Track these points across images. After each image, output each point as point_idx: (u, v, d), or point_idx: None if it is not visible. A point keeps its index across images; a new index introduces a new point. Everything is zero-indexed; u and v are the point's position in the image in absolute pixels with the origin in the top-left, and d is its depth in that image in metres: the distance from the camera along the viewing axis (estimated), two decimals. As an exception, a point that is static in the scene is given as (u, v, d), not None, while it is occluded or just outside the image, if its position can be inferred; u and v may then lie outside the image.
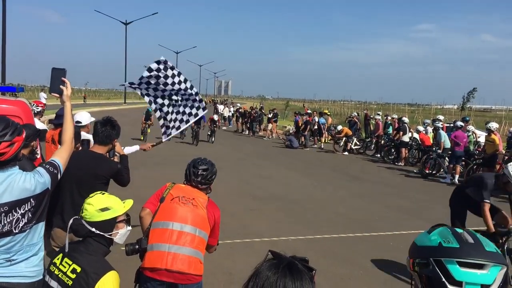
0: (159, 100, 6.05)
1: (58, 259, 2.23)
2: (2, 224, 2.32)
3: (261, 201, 9.44)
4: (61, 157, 2.62)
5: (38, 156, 4.45)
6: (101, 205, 2.25)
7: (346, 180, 12.82)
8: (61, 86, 2.83)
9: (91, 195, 2.31)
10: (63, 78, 2.85)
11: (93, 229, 2.21)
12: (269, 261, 1.22)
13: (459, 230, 1.39)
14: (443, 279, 1.30)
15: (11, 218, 2.33)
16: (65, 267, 2.17)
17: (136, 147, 5.36)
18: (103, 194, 2.33)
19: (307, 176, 13.16)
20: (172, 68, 5.83)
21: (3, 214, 2.31)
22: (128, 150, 5.05)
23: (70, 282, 2.11)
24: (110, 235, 2.29)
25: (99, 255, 2.21)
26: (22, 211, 2.36)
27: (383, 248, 6.78)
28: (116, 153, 4.15)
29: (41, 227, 2.50)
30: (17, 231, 2.36)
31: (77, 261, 2.15)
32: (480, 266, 1.29)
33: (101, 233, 2.24)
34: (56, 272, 2.18)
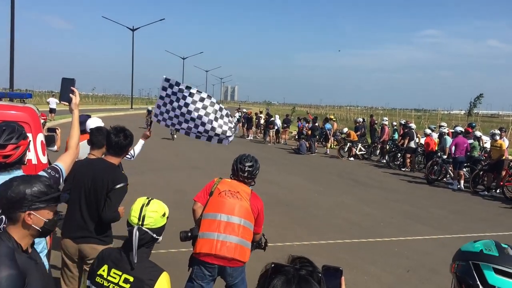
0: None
1: (103, 270, 2.16)
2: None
3: (266, 206, 9.36)
4: (64, 162, 2.72)
5: (35, 162, 4.37)
6: (162, 211, 2.21)
7: (351, 186, 12.80)
8: (70, 95, 2.97)
9: (142, 201, 2.19)
10: (72, 88, 2.99)
11: (154, 235, 2.17)
12: (276, 275, 1.22)
13: (504, 245, 1.52)
14: (478, 281, 1.43)
15: None
16: (115, 278, 2.12)
17: (141, 142, 5.04)
18: (153, 199, 2.24)
19: (313, 181, 13.15)
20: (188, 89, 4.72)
21: None
22: (137, 149, 4.97)
23: None
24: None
25: (145, 259, 2.17)
26: None
27: (388, 254, 6.77)
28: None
29: None
30: None
31: (127, 271, 2.11)
32: None
33: (158, 237, 2.21)
34: (106, 284, 2.13)
